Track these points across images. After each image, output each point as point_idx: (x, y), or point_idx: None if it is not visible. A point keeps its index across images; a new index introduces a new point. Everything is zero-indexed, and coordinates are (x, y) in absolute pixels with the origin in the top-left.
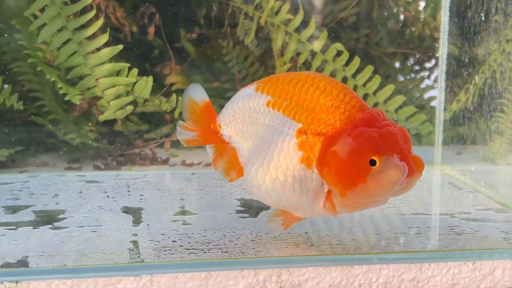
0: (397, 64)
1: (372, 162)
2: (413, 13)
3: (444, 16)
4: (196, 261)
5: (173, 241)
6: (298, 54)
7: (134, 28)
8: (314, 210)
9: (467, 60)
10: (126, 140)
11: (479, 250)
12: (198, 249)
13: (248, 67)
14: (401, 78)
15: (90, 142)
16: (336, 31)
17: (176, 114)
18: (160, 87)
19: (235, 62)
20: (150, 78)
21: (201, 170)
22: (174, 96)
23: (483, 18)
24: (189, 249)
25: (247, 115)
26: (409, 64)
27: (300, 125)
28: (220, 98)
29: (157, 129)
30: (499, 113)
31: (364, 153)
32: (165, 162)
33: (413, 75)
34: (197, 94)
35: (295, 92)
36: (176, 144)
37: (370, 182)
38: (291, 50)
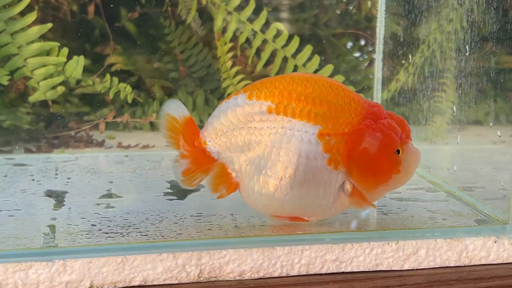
0: (340, 45)
1: (398, 152)
2: None
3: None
4: (112, 245)
5: (92, 225)
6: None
7: (75, 7)
8: (331, 210)
9: (405, 39)
10: (62, 123)
11: (403, 230)
12: (117, 233)
13: (191, 47)
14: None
15: (22, 124)
16: (279, 10)
17: (111, 95)
18: (100, 68)
19: (177, 42)
20: (82, 58)
21: (136, 152)
22: (108, 76)
23: None
24: (107, 233)
25: (241, 126)
26: (349, 45)
27: (319, 127)
28: (161, 79)
29: (96, 111)
30: (439, 93)
31: (392, 145)
32: (100, 144)
33: (358, 56)
34: (176, 110)
35: (301, 95)
36: (114, 126)
37: (401, 172)
38: (231, 29)
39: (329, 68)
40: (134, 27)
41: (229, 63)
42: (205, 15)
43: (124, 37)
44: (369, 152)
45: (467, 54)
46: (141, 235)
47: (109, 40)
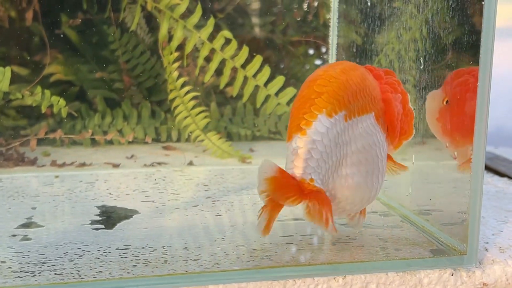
0: (296, 53)
1: None
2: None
3: (334, 2)
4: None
5: (1, 262)
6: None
7: (13, 13)
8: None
9: (360, 49)
10: None
11: (352, 263)
12: (28, 272)
13: (138, 56)
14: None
15: None
16: (229, 18)
17: (43, 109)
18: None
19: (122, 51)
20: (8, 69)
21: (69, 172)
22: (39, 89)
23: (380, 3)
24: (16, 272)
25: (334, 145)
26: (305, 53)
27: (372, 113)
28: (105, 89)
29: (33, 126)
30: None
31: (407, 97)
32: (32, 162)
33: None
34: (271, 169)
35: (351, 92)
36: (51, 141)
37: None
38: (177, 37)
39: (280, 80)
40: (76, 34)
41: (176, 74)
42: (152, 22)
43: (65, 45)
44: (400, 113)
45: (426, 65)
46: (55, 273)
47: (48, 49)
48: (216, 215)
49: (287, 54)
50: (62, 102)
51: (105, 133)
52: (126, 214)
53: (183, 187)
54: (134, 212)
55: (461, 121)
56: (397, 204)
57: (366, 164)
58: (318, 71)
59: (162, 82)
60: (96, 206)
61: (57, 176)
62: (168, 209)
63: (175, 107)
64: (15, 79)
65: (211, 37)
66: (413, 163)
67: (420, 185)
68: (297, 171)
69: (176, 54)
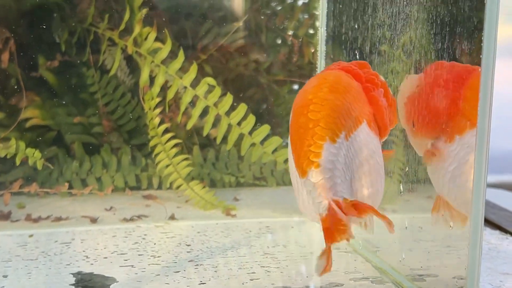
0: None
1: None
2: (299, 40)
3: (320, 45)
4: None
5: None
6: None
7: None
8: None
9: None
10: None
11: None
12: None
13: (118, 98)
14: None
15: None
16: (213, 61)
17: (17, 161)
18: (13, 123)
19: (102, 94)
20: None
21: (45, 230)
22: (13, 140)
23: (364, 46)
24: None
25: (345, 166)
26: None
27: (364, 121)
28: (85, 134)
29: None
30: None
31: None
32: (6, 217)
33: None
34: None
35: (339, 111)
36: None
37: None
38: (158, 83)
39: (265, 128)
40: (54, 76)
41: (157, 120)
42: (133, 63)
43: (42, 87)
44: (385, 107)
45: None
46: None
47: (26, 91)
48: (199, 283)
49: (275, 93)
50: (37, 154)
51: (83, 181)
52: (103, 283)
53: (164, 247)
54: (112, 280)
55: (422, 113)
56: (389, 267)
57: (371, 174)
58: (305, 94)
59: (143, 125)
60: (72, 273)
61: (31, 236)
62: (148, 277)
63: (156, 155)
64: None
65: (194, 83)
66: (406, 228)
67: (413, 243)
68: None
69: (157, 100)
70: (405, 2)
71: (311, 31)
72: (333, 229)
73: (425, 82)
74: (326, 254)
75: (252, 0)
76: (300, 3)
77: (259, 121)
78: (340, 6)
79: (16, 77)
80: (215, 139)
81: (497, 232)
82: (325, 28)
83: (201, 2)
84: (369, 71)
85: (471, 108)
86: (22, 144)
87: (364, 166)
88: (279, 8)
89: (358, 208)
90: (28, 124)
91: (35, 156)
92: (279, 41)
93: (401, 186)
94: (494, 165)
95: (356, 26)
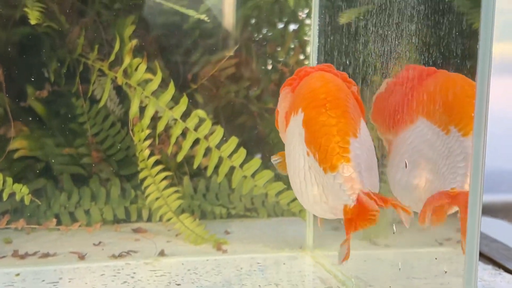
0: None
1: None
2: (290, 68)
3: None
4: None
5: None
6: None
7: None
8: None
9: None
10: None
11: None
12: None
13: (108, 128)
14: None
15: None
16: (204, 89)
17: (4, 197)
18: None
19: (91, 124)
20: None
21: (32, 268)
22: (0, 176)
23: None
24: None
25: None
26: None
27: (361, 118)
28: (73, 165)
29: None
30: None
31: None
32: None
33: None
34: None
35: (350, 108)
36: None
37: None
38: (148, 115)
39: (256, 161)
40: (42, 106)
41: (147, 152)
42: (123, 93)
43: (31, 117)
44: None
45: None
46: None
47: (13, 121)
48: None
49: (263, 123)
50: (25, 189)
51: (71, 214)
52: None
53: (153, 287)
54: None
55: (382, 110)
56: None
57: (373, 167)
58: (314, 93)
59: (133, 155)
60: None
61: (17, 275)
62: None
63: (146, 187)
64: None
65: (185, 114)
66: (399, 269)
67: (405, 280)
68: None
69: (147, 132)
70: (397, 42)
71: (301, 58)
72: (357, 219)
73: (391, 82)
74: (348, 242)
75: (243, 28)
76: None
77: (250, 150)
78: (331, 40)
79: (4, 107)
80: (205, 168)
81: (490, 267)
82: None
83: (192, 31)
84: (340, 71)
85: (418, 104)
86: (9, 180)
87: (371, 161)
88: (270, 35)
89: (382, 199)
90: (16, 155)
91: (23, 192)
92: (270, 69)
93: (394, 226)
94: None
95: (347, 62)
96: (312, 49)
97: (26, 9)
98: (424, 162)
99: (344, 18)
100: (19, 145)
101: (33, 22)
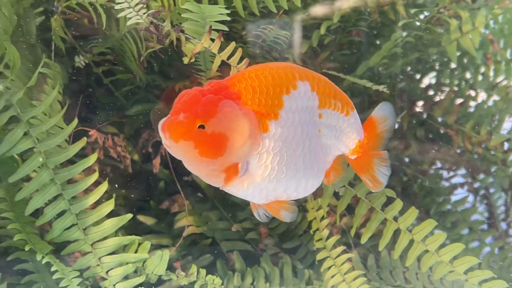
0: None
1: None
2: None
3: None
4: None
5: None
6: None
7: (136, 156)
8: None
9: None
10: None
11: None
12: None
13: None
14: None
15: None
16: None
17: None
18: (171, 235)
19: None
20: (166, 252)
21: None
22: (194, 267)
23: None
24: None
25: None
26: None
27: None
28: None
29: None
30: None
31: None
32: None
33: None
34: None
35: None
36: None
37: None
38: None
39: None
40: None
41: (326, 232)
42: None
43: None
44: None
45: None
46: None
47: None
48: None
49: None
50: (217, 280)
51: None
52: None
53: None
54: None
55: None
56: None
57: None
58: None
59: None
60: None
61: None
62: None
63: (326, 269)
64: None
65: None
66: None
67: None
68: None
69: (326, 209)
70: None
71: None
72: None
73: None
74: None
75: None
76: None
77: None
78: None
79: (167, 182)
80: None
81: None
82: None
83: None
84: None
85: None
86: (202, 271)
87: None
88: None
89: None
90: (186, 233)
91: (215, 283)
92: None
93: None
94: None
95: None
96: None
97: None
98: None
99: None
100: (186, 221)
101: None
